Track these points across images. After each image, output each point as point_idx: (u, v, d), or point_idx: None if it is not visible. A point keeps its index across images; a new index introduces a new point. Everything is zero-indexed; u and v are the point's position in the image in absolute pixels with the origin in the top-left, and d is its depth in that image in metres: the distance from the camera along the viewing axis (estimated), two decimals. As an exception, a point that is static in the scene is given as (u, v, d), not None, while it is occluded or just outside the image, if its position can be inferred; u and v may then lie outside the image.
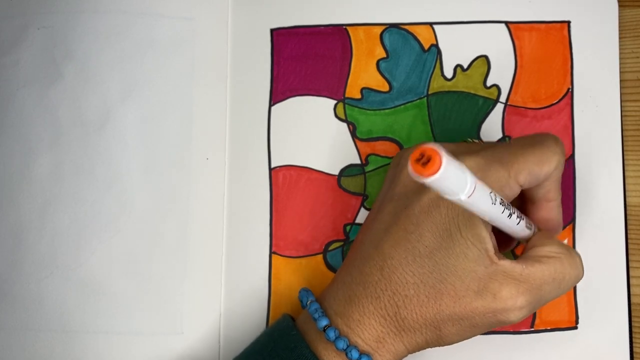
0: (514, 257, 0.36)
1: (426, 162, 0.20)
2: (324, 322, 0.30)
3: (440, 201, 0.29)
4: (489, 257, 0.28)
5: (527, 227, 0.30)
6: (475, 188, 0.22)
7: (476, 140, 0.35)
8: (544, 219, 0.32)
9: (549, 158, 0.29)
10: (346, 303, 0.30)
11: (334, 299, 0.31)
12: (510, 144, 0.30)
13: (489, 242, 0.28)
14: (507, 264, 0.28)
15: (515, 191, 0.29)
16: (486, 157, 0.29)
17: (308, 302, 0.32)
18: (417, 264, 0.29)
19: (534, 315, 0.36)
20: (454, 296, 0.28)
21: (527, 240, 0.31)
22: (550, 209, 0.32)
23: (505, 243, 0.34)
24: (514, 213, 0.28)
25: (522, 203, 0.33)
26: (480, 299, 0.28)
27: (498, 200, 0.26)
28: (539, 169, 0.29)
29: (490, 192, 0.25)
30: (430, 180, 0.20)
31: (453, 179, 0.21)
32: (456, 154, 0.30)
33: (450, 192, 0.22)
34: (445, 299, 0.28)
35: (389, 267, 0.29)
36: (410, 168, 0.20)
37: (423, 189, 0.29)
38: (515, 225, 0.29)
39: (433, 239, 0.29)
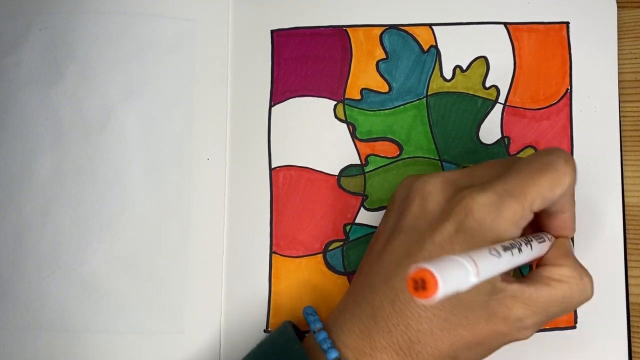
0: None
1: (423, 285, 0.20)
2: (334, 355, 0.29)
3: (453, 238, 0.28)
4: (498, 286, 0.28)
5: (539, 243, 0.30)
6: (478, 268, 0.22)
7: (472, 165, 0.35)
8: (558, 227, 0.32)
9: (561, 181, 0.29)
10: (357, 336, 0.30)
11: (342, 330, 0.30)
12: (520, 169, 0.29)
13: (498, 276, 0.28)
14: (515, 288, 0.28)
15: (529, 219, 0.29)
16: (498, 192, 0.28)
17: (316, 330, 0.31)
18: None
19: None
20: (466, 326, 0.28)
21: (538, 257, 0.31)
22: (565, 219, 0.31)
23: None
24: (521, 245, 0.28)
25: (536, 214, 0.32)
26: (491, 324, 0.28)
27: (500, 250, 0.26)
28: (552, 193, 0.29)
29: (491, 252, 0.25)
30: (434, 300, 0.20)
31: (455, 280, 0.21)
32: (462, 187, 0.30)
33: (459, 289, 0.21)
34: (459, 330, 0.28)
35: (401, 301, 0.29)
36: (413, 296, 0.20)
37: (436, 223, 0.29)
38: (528, 255, 0.29)
39: None
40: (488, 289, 0.28)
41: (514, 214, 0.28)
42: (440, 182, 0.31)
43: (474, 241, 0.28)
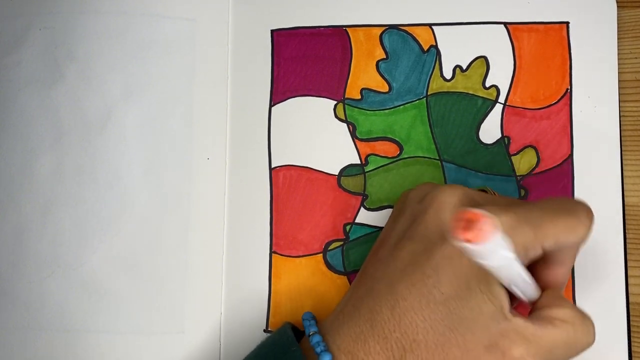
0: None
1: (471, 227, 0.19)
2: (326, 358, 0.29)
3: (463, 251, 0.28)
4: (504, 314, 0.28)
5: (536, 284, 0.30)
6: (510, 256, 0.22)
7: (495, 192, 0.34)
8: (551, 280, 0.31)
9: (578, 229, 0.28)
10: (351, 340, 0.29)
11: (338, 333, 0.30)
12: (542, 205, 0.29)
13: (505, 300, 0.28)
14: (520, 322, 0.28)
15: (537, 254, 0.29)
16: (518, 215, 0.28)
17: (310, 333, 0.31)
18: (430, 309, 0.28)
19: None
20: (462, 347, 0.27)
21: (531, 299, 0.31)
22: (560, 273, 0.31)
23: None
24: (527, 272, 0.28)
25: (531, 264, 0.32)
26: (488, 354, 0.27)
27: (517, 259, 0.26)
28: (565, 238, 0.28)
29: (517, 258, 0.25)
30: (475, 248, 0.20)
31: (499, 243, 0.21)
32: (480, 204, 0.29)
33: (485, 258, 0.21)
34: (453, 349, 0.28)
35: (401, 308, 0.28)
36: (454, 232, 0.20)
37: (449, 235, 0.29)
38: (528, 284, 0.28)
39: (450, 287, 0.28)
40: (492, 312, 0.27)
41: (526, 241, 0.28)
42: (459, 194, 0.30)
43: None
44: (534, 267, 0.31)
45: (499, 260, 0.22)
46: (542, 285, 0.31)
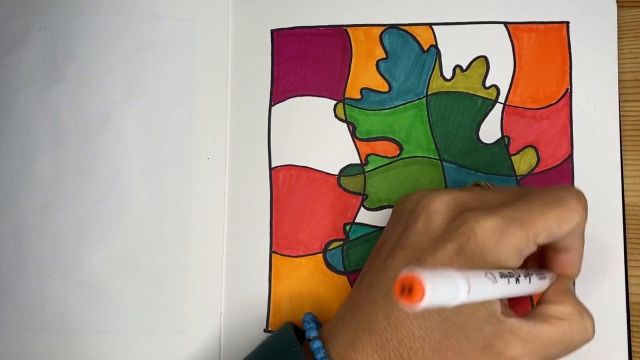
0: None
1: (409, 291, 0.19)
2: None
3: (454, 259, 0.28)
4: (497, 317, 0.28)
5: (539, 278, 0.30)
6: (470, 287, 0.22)
7: (489, 185, 0.35)
8: (562, 266, 0.31)
9: (569, 218, 0.28)
10: (350, 348, 0.30)
11: (338, 341, 0.30)
12: (530, 200, 0.29)
13: (497, 302, 0.28)
14: (514, 322, 0.28)
15: (532, 250, 0.29)
16: (504, 217, 0.28)
17: (311, 338, 0.31)
18: (425, 317, 0.28)
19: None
20: (458, 352, 0.28)
21: (535, 294, 0.31)
22: (569, 258, 0.31)
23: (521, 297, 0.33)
24: (520, 276, 0.28)
25: (543, 249, 0.32)
26: (485, 356, 0.28)
27: (497, 276, 0.26)
28: (558, 229, 0.28)
29: (487, 275, 0.25)
30: (416, 308, 0.19)
31: (443, 293, 0.20)
32: (470, 208, 0.29)
33: (445, 303, 0.21)
34: (449, 355, 0.28)
35: (396, 317, 0.29)
36: (397, 299, 0.20)
37: (438, 242, 0.29)
38: (525, 287, 0.28)
39: None
40: (484, 316, 0.28)
41: (518, 242, 0.28)
42: (448, 201, 0.30)
43: (473, 264, 0.28)
44: (544, 255, 0.31)
45: (462, 299, 0.22)
46: (557, 272, 0.31)
